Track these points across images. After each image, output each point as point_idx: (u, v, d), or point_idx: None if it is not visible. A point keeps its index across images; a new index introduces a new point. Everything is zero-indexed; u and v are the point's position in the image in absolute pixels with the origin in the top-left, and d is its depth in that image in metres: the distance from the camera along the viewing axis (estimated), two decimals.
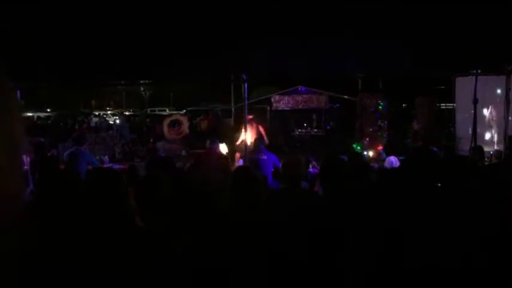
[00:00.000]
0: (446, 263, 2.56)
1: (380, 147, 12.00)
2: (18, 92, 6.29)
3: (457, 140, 11.58)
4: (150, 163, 6.99)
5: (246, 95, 9.47)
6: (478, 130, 10.83)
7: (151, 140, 14.08)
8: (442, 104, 12.87)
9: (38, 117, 18.83)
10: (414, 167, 3.24)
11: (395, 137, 12.64)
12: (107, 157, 11.21)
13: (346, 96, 13.83)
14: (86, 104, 23.07)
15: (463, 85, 11.72)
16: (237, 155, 9.38)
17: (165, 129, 12.47)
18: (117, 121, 15.56)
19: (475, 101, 7.38)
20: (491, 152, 10.95)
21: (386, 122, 12.71)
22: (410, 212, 2.76)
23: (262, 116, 12.42)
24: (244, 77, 10.07)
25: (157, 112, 19.44)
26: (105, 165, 8.72)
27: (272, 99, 13.83)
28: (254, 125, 10.01)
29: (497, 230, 2.63)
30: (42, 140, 10.48)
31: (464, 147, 10.27)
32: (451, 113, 13.15)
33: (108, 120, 15.90)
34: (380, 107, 12.80)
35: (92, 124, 15.43)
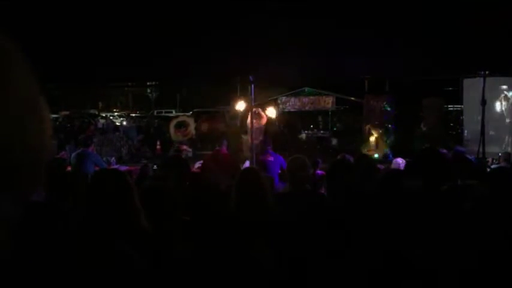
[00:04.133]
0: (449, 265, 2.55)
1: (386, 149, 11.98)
2: None
3: (465, 142, 11.51)
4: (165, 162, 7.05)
5: (252, 97, 9.48)
6: (494, 132, 10.79)
7: (159, 142, 14.11)
8: (449, 106, 12.79)
9: None
10: (421, 169, 3.19)
11: (402, 139, 12.56)
12: (113, 159, 11.22)
13: (352, 98, 13.79)
14: (92, 106, 23.13)
15: (471, 86, 11.68)
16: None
17: (172, 130, 12.48)
18: (124, 123, 15.59)
19: (483, 103, 7.31)
20: (500, 154, 10.88)
21: (393, 124, 12.67)
22: (414, 215, 2.73)
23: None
24: (251, 78, 10.06)
25: (164, 114, 19.40)
26: (112, 167, 8.74)
27: (279, 101, 13.82)
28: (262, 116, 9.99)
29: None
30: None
31: (473, 149, 10.21)
32: (459, 114, 13.06)
33: (115, 122, 15.91)
34: (387, 109, 12.77)
35: (99, 126, 15.46)
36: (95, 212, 2.50)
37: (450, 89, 13.36)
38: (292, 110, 14.19)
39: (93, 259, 2.22)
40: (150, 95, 20.58)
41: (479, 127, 11.50)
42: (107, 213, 2.42)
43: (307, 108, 14.11)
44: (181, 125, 12.59)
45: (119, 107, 23.51)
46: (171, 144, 12.69)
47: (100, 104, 21.52)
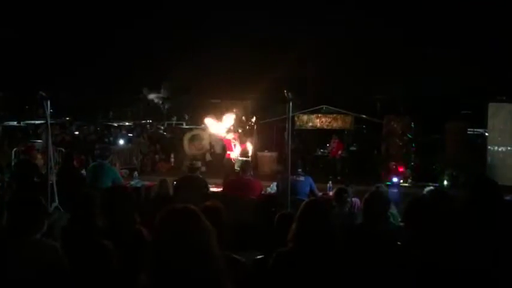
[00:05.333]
0: None
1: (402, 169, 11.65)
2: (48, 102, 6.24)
3: (488, 168, 11.12)
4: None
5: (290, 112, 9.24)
6: None
7: (173, 155, 13.99)
8: (469, 130, 12.43)
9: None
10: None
11: (423, 162, 12.20)
12: (126, 171, 11.07)
13: (375, 119, 13.55)
14: (104, 115, 23.27)
15: (496, 112, 11.36)
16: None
17: (186, 143, 12.35)
18: (134, 133, 15.52)
19: None
20: None
21: (413, 146, 12.35)
22: None
23: (283, 133, 12.17)
24: (290, 96, 9.75)
25: (174, 125, 19.44)
26: (132, 182, 8.41)
27: (296, 118, 13.62)
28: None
29: None
30: (67, 150, 10.51)
31: (497, 175, 9.82)
32: (477, 138, 12.68)
33: (127, 133, 15.84)
34: (408, 131, 12.47)
35: (111, 136, 15.42)
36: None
37: (470, 112, 13.05)
38: (309, 127, 13.97)
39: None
40: (161, 105, 20.65)
41: (502, 154, 11.13)
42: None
43: (325, 126, 13.90)
44: (195, 139, 12.43)
45: (130, 117, 23.42)
46: (185, 157, 12.55)
47: (111, 113, 21.53)
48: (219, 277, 1.88)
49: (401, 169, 11.99)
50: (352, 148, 13.42)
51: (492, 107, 11.37)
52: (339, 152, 12.77)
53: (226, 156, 9.25)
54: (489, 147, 11.38)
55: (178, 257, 1.83)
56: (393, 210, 4.90)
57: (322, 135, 13.87)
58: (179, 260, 1.82)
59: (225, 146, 9.63)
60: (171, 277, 1.82)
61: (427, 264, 2.47)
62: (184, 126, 19.14)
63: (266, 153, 13.34)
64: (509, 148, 11.09)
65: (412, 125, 12.37)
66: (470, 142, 12.47)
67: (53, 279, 2.58)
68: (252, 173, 6.92)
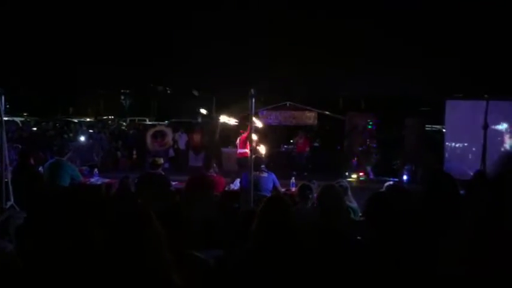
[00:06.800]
0: None
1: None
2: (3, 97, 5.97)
3: (445, 163, 11.43)
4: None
5: (253, 110, 9.20)
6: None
7: (135, 152, 13.79)
8: (427, 126, 12.78)
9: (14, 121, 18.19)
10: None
11: (384, 158, 12.47)
12: (86, 168, 10.81)
13: (339, 116, 13.74)
14: (63, 111, 22.36)
15: (453, 108, 11.65)
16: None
17: (149, 140, 12.19)
18: (95, 129, 15.18)
19: (485, 126, 7.21)
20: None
21: (375, 142, 12.58)
22: None
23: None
24: (253, 91, 9.64)
25: (137, 121, 19.03)
26: (93, 179, 8.21)
27: (260, 114, 13.66)
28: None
29: None
30: (23, 147, 10.15)
31: (453, 169, 10.12)
32: (436, 134, 13.06)
33: (87, 129, 15.49)
34: (369, 127, 12.70)
35: (71, 132, 15.07)
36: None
37: (428, 109, 13.42)
38: (273, 123, 14.04)
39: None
40: (123, 101, 20.05)
41: (459, 149, 11.48)
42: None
43: (288, 122, 14.00)
44: (157, 135, 12.26)
45: (90, 113, 22.52)
46: (148, 153, 12.40)
47: (71, 110, 20.73)
48: (167, 278, 1.92)
49: (363, 164, 12.24)
50: (316, 144, 13.57)
51: (449, 104, 11.67)
52: (306, 149, 12.88)
53: (245, 154, 9.07)
54: (446, 143, 11.69)
55: (127, 259, 1.87)
56: (353, 204, 4.96)
57: (286, 131, 13.96)
58: (127, 261, 1.87)
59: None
60: (120, 278, 1.85)
61: (386, 261, 2.48)
62: (148, 122, 18.87)
63: (230, 150, 13.32)
64: (465, 144, 11.42)
65: (373, 122, 12.63)
66: (428, 138, 12.78)
67: (4, 282, 2.51)
68: (217, 169, 6.90)
